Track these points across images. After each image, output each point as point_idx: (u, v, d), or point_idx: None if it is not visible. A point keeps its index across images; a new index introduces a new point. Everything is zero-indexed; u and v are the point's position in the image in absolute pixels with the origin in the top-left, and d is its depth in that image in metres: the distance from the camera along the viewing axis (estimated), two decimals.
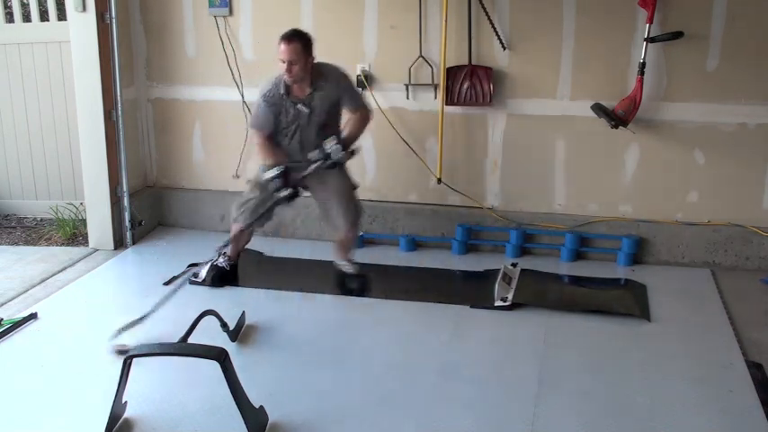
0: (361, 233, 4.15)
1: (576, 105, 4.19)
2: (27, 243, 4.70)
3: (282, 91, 3.61)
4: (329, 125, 3.70)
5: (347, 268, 3.98)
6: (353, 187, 3.87)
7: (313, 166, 3.58)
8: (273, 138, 3.74)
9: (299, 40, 3.50)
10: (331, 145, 3.55)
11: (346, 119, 3.76)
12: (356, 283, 3.94)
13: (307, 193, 3.86)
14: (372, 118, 3.83)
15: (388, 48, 4.36)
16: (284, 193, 3.50)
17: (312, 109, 3.64)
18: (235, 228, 3.86)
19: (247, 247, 4.35)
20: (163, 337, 2.90)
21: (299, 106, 3.63)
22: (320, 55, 4.43)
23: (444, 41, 4.19)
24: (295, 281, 4.02)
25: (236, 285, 3.94)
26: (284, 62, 3.50)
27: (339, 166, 3.67)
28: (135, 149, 4.74)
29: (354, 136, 3.69)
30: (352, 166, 4.53)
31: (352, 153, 3.65)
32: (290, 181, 3.53)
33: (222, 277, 3.95)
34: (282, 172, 3.51)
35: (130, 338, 3.01)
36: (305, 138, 3.69)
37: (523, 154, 4.37)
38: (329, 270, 4.17)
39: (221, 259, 4.00)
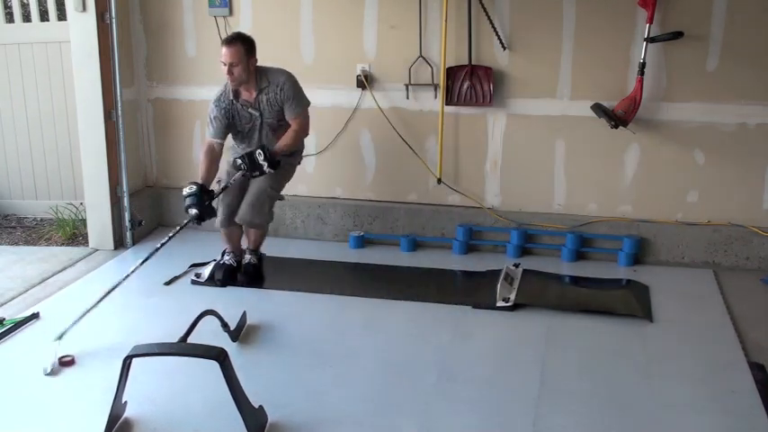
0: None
1: (576, 105, 4.19)
2: (27, 243, 4.69)
3: (231, 96, 3.70)
4: (282, 127, 3.77)
5: (248, 257, 4.01)
6: (274, 191, 3.86)
7: (237, 175, 3.64)
8: (234, 139, 3.83)
9: (239, 43, 3.58)
10: (258, 155, 3.55)
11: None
12: (248, 273, 3.98)
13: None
14: (308, 131, 3.87)
15: (388, 48, 4.36)
16: (193, 212, 3.50)
17: (261, 112, 3.73)
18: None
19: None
20: (163, 337, 2.90)
21: (250, 110, 3.72)
22: (320, 55, 4.46)
23: (444, 41, 4.20)
24: (296, 281, 4.01)
25: (241, 285, 3.92)
26: (225, 65, 3.58)
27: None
28: (135, 149, 4.74)
29: (287, 147, 3.72)
30: (353, 165, 4.58)
31: (278, 164, 3.64)
32: (204, 201, 3.52)
33: (229, 273, 3.96)
34: (196, 192, 3.51)
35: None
36: (261, 140, 3.76)
37: (523, 154, 4.37)
38: (330, 270, 4.19)
39: (227, 257, 4.03)
